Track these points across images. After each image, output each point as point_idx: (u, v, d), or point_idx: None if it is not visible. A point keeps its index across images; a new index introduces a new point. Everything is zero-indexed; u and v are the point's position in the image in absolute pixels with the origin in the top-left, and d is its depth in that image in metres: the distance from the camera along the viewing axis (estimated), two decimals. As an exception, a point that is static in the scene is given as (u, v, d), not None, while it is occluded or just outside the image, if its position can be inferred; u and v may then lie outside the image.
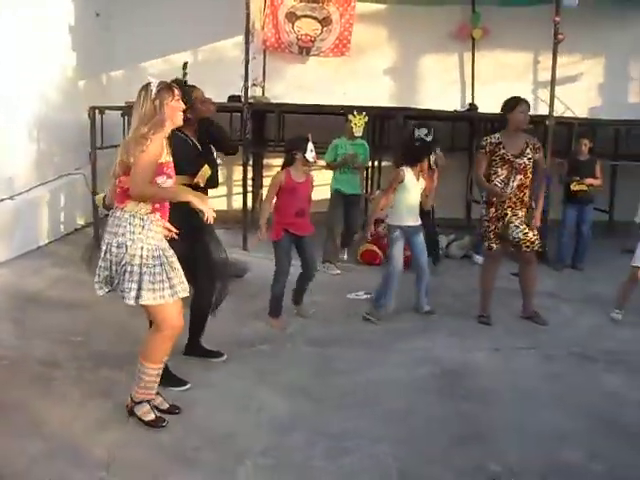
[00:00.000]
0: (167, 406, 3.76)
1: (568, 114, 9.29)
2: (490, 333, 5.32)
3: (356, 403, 4.05)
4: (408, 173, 5.46)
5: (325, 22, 9.70)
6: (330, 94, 9.44)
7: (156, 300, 3.41)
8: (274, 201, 5.25)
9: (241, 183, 8.08)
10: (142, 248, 3.38)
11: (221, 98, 8.53)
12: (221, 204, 9.81)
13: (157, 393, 3.74)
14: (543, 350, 4.99)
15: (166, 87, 3.48)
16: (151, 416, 3.59)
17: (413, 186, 5.47)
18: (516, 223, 5.32)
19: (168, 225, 3.60)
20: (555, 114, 8.06)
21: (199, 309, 4.39)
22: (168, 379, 3.97)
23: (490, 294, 5.62)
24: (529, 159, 5.36)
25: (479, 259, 7.26)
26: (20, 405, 3.80)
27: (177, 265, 3.55)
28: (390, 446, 3.52)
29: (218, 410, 3.88)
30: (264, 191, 10.14)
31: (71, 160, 8.40)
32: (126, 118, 7.91)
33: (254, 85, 7.85)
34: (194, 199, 3.49)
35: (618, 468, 3.38)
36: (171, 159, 3.52)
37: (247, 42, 7.12)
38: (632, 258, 5.65)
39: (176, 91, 3.51)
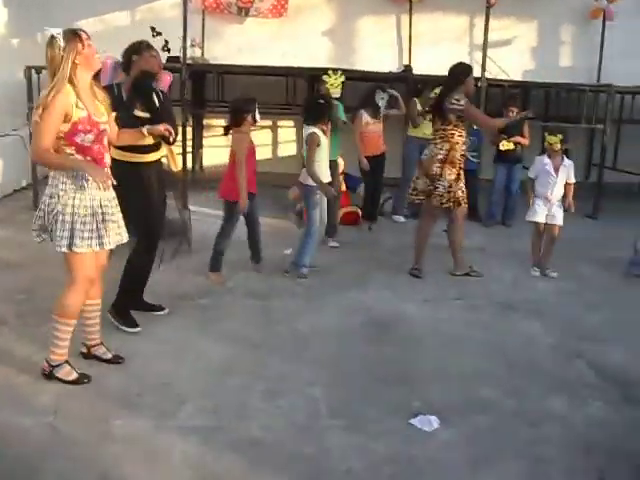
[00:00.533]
0: (110, 356, 3.91)
1: (503, 77, 9.61)
2: (421, 286, 5.62)
3: (292, 349, 4.30)
4: (320, 132, 5.59)
5: (264, -18, 9.71)
6: (269, 55, 9.55)
7: (82, 248, 3.47)
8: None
9: (181, 144, 8.12)
10: (74, 198, 3.43)
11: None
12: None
13: (101, 343, 3.89)
14: (469, 301, 5.31)
15: (72, 34, 3.38)
16: (73, 375, 3.66)
17: (324, 143, 5.61)
18: (442, 182, 5.62)
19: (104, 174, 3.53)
20: (489, 76, 8.34)
21: (142, 264, 4.52)
22: (125, 318, 4.31)
23: (422, 249, 5.90)
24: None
25: (399, 218, 7.76)
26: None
27: (114, 217, 3.62)
28: (321, 388, 3.78)
29: (158, 359, 4.06)
30: (204, 151, 10.34)
31: (7, 121, 8.30)
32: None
33: (192, 46, 7.86)
34: (87, 168, 3.42)
35: (527, 402, 3.73)
36: (86, 113, 3.42)
37: (185, 2, 7.12)
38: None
39: (83, 35, 3.42)
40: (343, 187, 7.74)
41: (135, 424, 3.34)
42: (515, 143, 7.60)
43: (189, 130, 8.43)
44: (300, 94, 9.41)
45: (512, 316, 5.06)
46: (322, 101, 5.74)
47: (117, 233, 3.68)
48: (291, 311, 4.94)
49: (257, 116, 5.31)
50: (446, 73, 5.76)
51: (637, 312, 5.24)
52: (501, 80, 9.16)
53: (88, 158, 3.49)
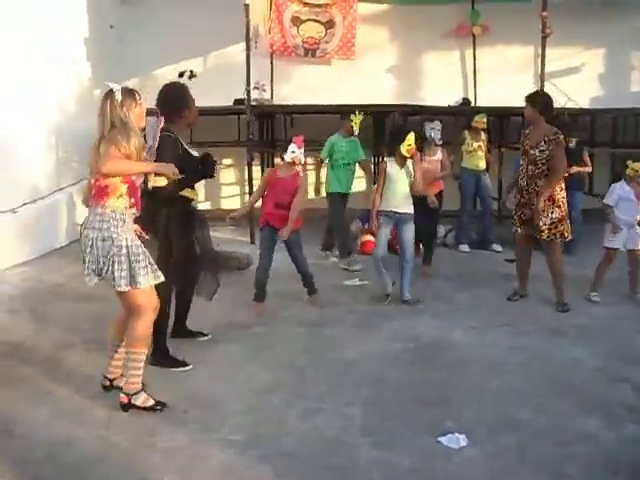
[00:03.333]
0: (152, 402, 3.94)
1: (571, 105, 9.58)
2: (472, 314, 5.68)
3: (335, 372, 4.48)
4: (390, 163, 5.85)
5: (329, 25, 10.14)
6: (336, 94, 9.86)
7: (145, 284, 3.74)
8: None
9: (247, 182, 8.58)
10: (126, 239, 3.72)
11: (229, 102, 9.05)
12: (233, 203, 10.31)
13: (121, 375, 4.01)
14: (518, 327, 5.35)
15: (130, 93, 3.76)
16: (151, 401, 3.87)
17: (396, 174, 5.82)
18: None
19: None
20: (557, 105, 8.36)
21: (185, 295, 4.82)
22: (171, 361, 4.50)
23: (523, 275, 6.05)
24: (541, 151, 5.69)
25: (465, 247, 7.87)
26: (33, 379, 4.31)
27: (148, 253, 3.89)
28: (358, 407, 3.94)
29: (209, 381, 4.34)
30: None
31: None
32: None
33: (256, 88, 8.28)
34: (158, 167, 3.92)
35: (559, 421, 3.76)
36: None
37: (248, 48, 7.58)
38: (604, 239, 6.00)
39: (137, 95, 3.78)
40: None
41: (177, 437, 3.60)
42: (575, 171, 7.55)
43: (257, 169, 8.90)
44: (366, 130, 9.67)
45: (559, 341, 5.06)
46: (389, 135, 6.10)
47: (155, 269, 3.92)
48: (340, 338, 5.13)
49: (287, 155, 5.53)
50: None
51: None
52: (567, 109, 9.14)
53: (132, 200, 3.80)
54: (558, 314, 5.67)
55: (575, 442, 3.52)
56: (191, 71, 4.44)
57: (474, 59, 10.24)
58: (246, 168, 8.48)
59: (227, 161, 10.73)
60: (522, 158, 5.88)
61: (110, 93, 3.75)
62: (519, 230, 5.92)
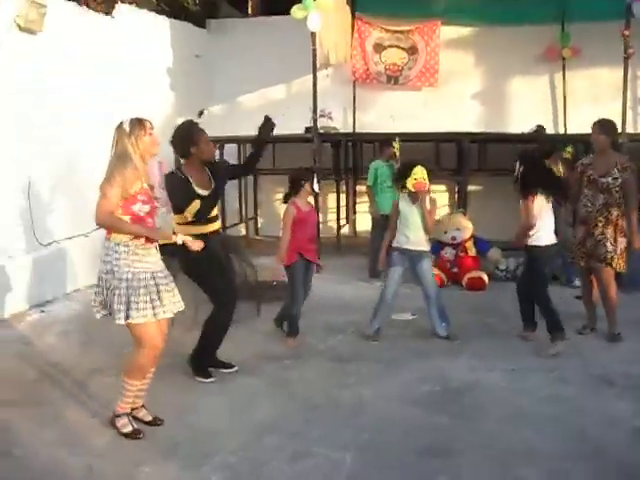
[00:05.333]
0: (150, 418, 4.09)
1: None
2: (516, 354, 5.29)
3: (346, 413, 4.29)
4: (402, 199, 5.60)
5: (411, 51, 10.01)
6: (419, 121, 9.67)
7: (139, 319, 3.75)
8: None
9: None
10: (128, 272, 3.74)
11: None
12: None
13: (142, 406, 4.11)
14: (563, 372, 4.91)
15: (138, 123, 3.81)
16: (129, 428, 3.93)
17: (407, 210, 5.56)
18: (601, 239, 5.48)
19: (187, 239, 4.04)
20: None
21: (215, 324, 4.80)
22: (200, 370, 4.75)
23: (591, 307, 5.83)
24: (614, 178, 5.44)
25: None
26: (54, 401, 4.44)
27: (168, 287, 3.92)
28: (353, 452, 3.74)
29: (213, 414, 4.29)
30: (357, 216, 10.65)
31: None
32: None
33: (322, 116, 8.25)
34: (150, 234, 3.83)
35: None
36: (147, 186, 3.83)
37: (314, 76, 7.60)
38: None
39: (147, 124, 3.83)
40: (472, 251, 7.60)
41: (161, 471, 3.58)
42: None
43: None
44: (447, 158, 9.43)
45: (604, 392, 4.59)
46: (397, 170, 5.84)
47: (173, 302, 3.96)
48: (364, 375, 4.93)
49: (316, 185, 5.48)
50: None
51: None
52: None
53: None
54: (610, 361, 5.16)
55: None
56: (202, 110, 4.41)
57: (564, 83, 9.74)
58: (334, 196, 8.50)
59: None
60: (586, 187, 5.58)
61: (119, 125, 3.84)
62: (581, 263, 5.69)
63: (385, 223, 7.05)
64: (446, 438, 3.93)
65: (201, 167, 4.68)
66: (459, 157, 9.04)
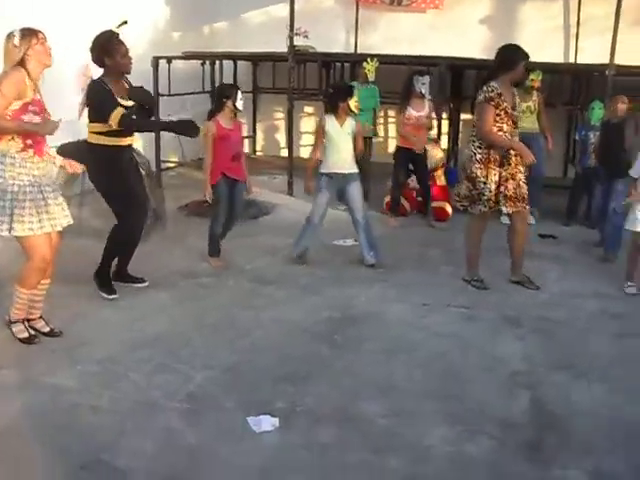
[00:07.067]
0: (48, 329, 4.15)
1: None
2: (442, 291, 5.14)
3: (231, 335, 4.28)
4: (330, 120, 5.42)
5: (418, -28, 9.48)
6: (423, 45, 9.26)
7: (24, 232, 3.73)
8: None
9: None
10: (13, 184, 3.70)
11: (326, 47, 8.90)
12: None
13: (40, 317, 4.16)
14: (475, 311, 4.76)
15: (29, 32, 3.71)
16: (25, 334, 4.02)
17: (336, 133, 5.40)
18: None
19: (67, 161, 4.07)
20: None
21: (116, 238, 4.79)
22: (105, 284, 4.75)
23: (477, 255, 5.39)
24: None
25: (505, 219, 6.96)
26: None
27: (57, 201, 3.89)
28: (213, 372, 3.76)
29: (104, 325, 4.36)
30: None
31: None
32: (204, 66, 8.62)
33: (297, 35, 7.94)
34: (36, 127, 3.72)
35: (407, 427, 3.33)
36: (39, 97, 3.75)
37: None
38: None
39: (40, 34, 3.72)
40: (441, 180, 7.40)
41: (21, 374, 3.69)
42: None
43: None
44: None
45: (506, 333, 4.44)
46: (332, 90, 5.56)
47: (63, 216, 3.94)
48: (275, 299, 4.91)
49: (239, 103, 5.33)
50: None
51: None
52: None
53: (28, 142, 3.74)
54: (531, 301, 5.00)
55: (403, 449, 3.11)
56: (124, 21, 4.21)
57: (578, 10, 9.10)
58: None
59: (308, 109, 10.59)
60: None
61: (9, 35, 3.73)
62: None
63: None
64: (312, 367, 3.88)
65: (119, 79, 4.57)
66: (452, 84, 8.65)
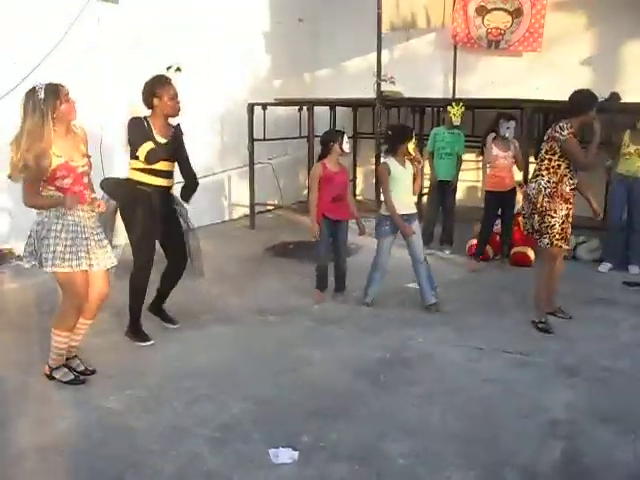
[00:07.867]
0: (83, 368, 4.27)
1: None
2: (502, 336, 5.02)
3: (278, 370, 4.40)
4: (392, 162, 5.47)
5: (516, 14, 9.47)
6: (522, 88, 9.18)
7: (64, 268, 3.88)
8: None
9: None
10: (57, 223, 3.88)
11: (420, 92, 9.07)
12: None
13: (75, 356, 4.29)
14: (530, 358, 4.63)
15: (52, 91, 3.77)
16: (70, 376, 4.15)
17: (399, 174, 5.46)
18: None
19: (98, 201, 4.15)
20: None
21: (136, 283, 4.81)
22: (137, 334, 4.84)
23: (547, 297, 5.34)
24: None
25: (635, 269, 6.87)
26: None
27: (101, 243, 4.08)
28: (249, 404, 3.91)
29: (157, 356, 4.65)
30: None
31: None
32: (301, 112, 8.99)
33: (384, 80, 8.09)
34: (61, 201, 3.87)
35: (424, 469, 3.32)
36: (64, 160, 3.86)
37: (379, 38, 7.49)
38: None
39: (63, 90, 3.82)
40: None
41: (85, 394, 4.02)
42: None
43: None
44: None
45: (564, 379, 4.30)
46: (390, 132, 5.62)
47: (107, 257, 4.14)
48: (333, 338, 5.01)
49: (345, 146, 5.53)
50: None
51: None
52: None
53: (76, 188, 3.95)
54: (597, 348, 4.79)
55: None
56: (178, 68, 4.35)
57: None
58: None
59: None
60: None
61: (32, 91, 3.79)
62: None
63: (441, 188, 7.52)
64: (347, 404, 3.93)
65: (165, 121, 4.70)
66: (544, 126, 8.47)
